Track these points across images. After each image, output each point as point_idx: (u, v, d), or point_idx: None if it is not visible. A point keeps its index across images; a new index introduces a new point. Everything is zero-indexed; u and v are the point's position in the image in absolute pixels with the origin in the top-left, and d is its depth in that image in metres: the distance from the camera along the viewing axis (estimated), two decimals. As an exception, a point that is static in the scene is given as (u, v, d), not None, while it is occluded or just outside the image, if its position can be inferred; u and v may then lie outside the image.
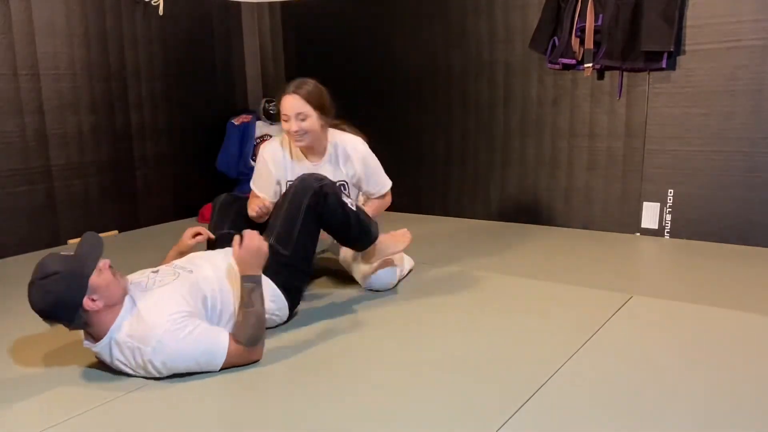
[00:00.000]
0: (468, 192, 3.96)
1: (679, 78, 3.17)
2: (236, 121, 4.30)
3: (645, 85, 3.27)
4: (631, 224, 3.44)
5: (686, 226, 3.28)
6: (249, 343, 1.90)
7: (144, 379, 1.86)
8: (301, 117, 2.33)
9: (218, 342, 1.86)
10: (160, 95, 4.01)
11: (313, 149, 2.48)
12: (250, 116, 4.34)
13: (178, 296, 1.88)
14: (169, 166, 4.12)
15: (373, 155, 2.58)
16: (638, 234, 3.41)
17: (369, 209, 2.56)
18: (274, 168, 2.50)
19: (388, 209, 4.20)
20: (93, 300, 1.76)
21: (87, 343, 1.86)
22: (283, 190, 2.50)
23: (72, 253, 1.80)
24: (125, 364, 1.83)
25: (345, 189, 2.54)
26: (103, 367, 1.96)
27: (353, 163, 2.52)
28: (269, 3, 4.53)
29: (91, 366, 1.98)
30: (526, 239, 3.41)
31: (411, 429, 1.56)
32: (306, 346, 2.08)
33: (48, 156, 3.46)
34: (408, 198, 4.18)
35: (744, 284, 2.57)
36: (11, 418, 1.68)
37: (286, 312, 2.21)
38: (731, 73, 3.04)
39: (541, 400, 1.68)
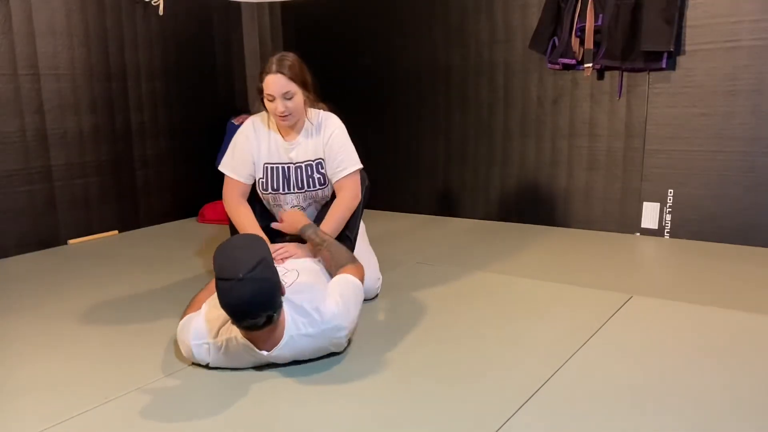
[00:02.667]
0: (468, 192, 3.96)
1: (679, 78, 3.17)
2: (236, 121, 4.30)
3: (645, 85, 3.27)
4: (631, 224, 3.44)
5: (686, 226, 3.28)
6: (351, 260, 2.15)
7: (144, 379, 1.86)
8: (288, 96, 2.23)
9: (356, 284, 2.03)
10: (160, 95, 4.01)
11: (292, 127, 2.38)
12: (250, 116, 4.33)
13: (314, 279, 2.05)
14: (169, 166, 4.12)
15: (346, 132, 2.44)
16: (638, 234, 3.41)
17: (333, 220, 2.34)
18: (254, 146, 2.38)
19: (389, 209, 4.24)
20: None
21: (265, 353, 1.81)
22: (259, 173, 2.40)
23: (242, 241, 1.78)
24: (307, 354, 1.90)
25: (322, 167, 2.41)
26: (104, 367, 1.96)
27: (326, 134, 2.39)
28: (269, 3, 4.53)
29: (92, 365, 1.98)
30: (526, 239, 3.41)
31: (411, 429, 1.56)
32: (306, 346, 2.08)
33: (48, 156, 3.46)
34: (408, 198, 4.19)
35: (744, 284, 2.57)
36: (12, 417, 1.68)
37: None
38: (731, 73, 3.05)
39: (541, 400, 1.68)
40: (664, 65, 3.14)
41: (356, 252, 2.44)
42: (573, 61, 3.36)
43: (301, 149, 2.38)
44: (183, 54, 4.11)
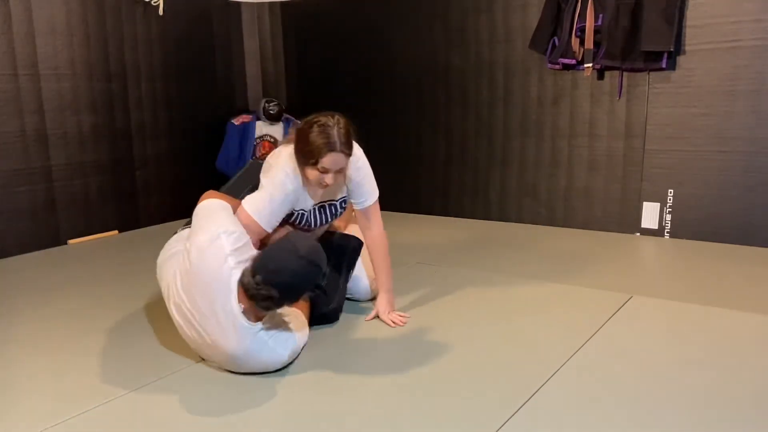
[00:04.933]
0: (468, 192, 3.96)
1: (679, 78, 3.17)
2: (236, 121, 4.30)
3: (645, 85, 3.27)
4: (631, 224, 3.44)
5: (686, 226, 3.28)
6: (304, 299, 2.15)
7: (145, 379, 1.86)
8: (341, 171, 2.14)
9: (305, 325, 2.05)
10: (160, 95, 4.01)
11: None
12: (250, 116, 4.34)
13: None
14: (169, 166, 4.12)
15: (366, 160, 2.33)
16: (638, 234, 3.41)
17: (376, 257, 2.34)
18: (291, 203, 2.23)
19: (389, 209, 4.23)
20: None
21: (247, 318, 1.83)
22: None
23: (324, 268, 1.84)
24: (263, 349, 1.87)
25: (345, 203, 2.37)
26: (104, 367, 1.96)
27: (352, 169, 2.27)
28: (269, 3, 4.53)
29: (92, 365, 1.98)
30: (526, 239, 3.41)
31: (411, 429, 1.56)
32: (307, 348, 2.08)
33: (48, 156, 3.46)
34: (408, 198, 4.19)
35: (744, 284, 2.57)
36: (12, 417, 1.68)
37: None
38: (731, 73, 3.05)
39: (541, 400, 1.68)
40: (664, 65, 3.14)
41: None
42: (573, 61, 3.36)
43: (329, 192, 2.30)
44: (183, 54, 4.11)
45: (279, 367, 1.88)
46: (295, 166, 2.16)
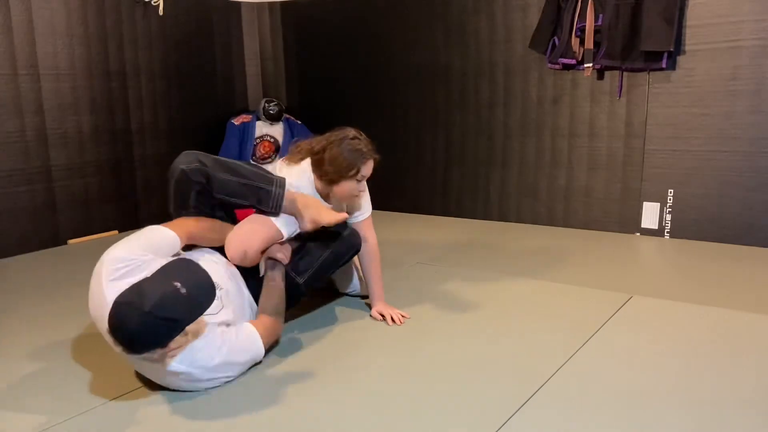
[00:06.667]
0: (468, 192, 3.96)
1: (679, 78, 3.17)
2: (236, 121, 4.30)
3: (645, 85, 3.27)
4: (631, 224, 3.44)
5: (686, 226, 3.28)
6: (276, 313, 1.99)
7: (143, 381, 1.86)
8: (367, 179, 2.24)
9: (253, 340, 1.85)
10: (160, 95, 4.01)
11: None
12: (250, 116, 4.34)
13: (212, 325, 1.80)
14: (169, 166, 4.09)
15: None
16: (638, 234, 3.41)
17: (371, 268, 2.37)
18: None
19: (390, 209, 4.24)
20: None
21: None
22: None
23: (186, 293, 1.58)
24: (175, 385, 1.77)
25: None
26: (104, 367, 1.96)
27: None
28: (269, 3, 4.53)
29: (92, 366, 1.98)
30: (525, 239, 3.41)
31: (411, 429, 1.56)
32: (308, 348, 2.08)
33: (48, 156, 3.46)
34: (408, 198, 4.19)
35: (744, 284, 2.57)
36: (11, 417, 1.68)
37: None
38: (731, 73, 3.05)
39: (541, 400, 1.68)
40: (664, 65, 3.14)
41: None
42: (573, 61, 3.36)
43: (337, 205, 2.34)
44: (183, 54, 4.11)
45: (208, 385, 1.77)
46: (314, 191, 2.24)
